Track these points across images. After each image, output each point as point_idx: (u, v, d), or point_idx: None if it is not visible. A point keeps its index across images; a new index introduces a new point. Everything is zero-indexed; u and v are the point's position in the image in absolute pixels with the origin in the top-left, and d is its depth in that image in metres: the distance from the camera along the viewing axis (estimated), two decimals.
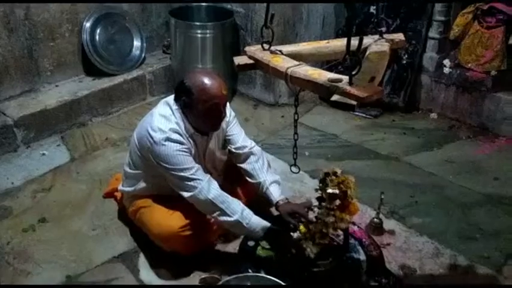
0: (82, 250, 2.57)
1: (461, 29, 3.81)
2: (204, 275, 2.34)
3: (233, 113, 2.54)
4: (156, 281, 2.38)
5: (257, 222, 2.29)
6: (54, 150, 3.43)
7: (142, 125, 2.35)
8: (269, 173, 2.55)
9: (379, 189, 2.74)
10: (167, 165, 2.22)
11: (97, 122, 3.79)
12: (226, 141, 2.54)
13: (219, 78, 2.27)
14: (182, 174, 2.23)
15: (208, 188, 2.24)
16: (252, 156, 2.56)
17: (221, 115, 2.29)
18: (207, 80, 2.21)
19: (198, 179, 2.24)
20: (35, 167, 3.23)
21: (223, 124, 2.43)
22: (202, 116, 2.25)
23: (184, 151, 2.24)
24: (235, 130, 2.56)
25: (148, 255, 2.51)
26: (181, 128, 2.27)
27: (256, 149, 2.61)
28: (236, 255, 2.46)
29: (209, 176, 2.30)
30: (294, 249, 2.30)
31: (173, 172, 2.23)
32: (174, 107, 2.30)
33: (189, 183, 2.24)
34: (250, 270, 2.28)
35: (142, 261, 2.49)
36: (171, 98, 2.34)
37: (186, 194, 2.26)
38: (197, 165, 2.27)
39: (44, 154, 3.38)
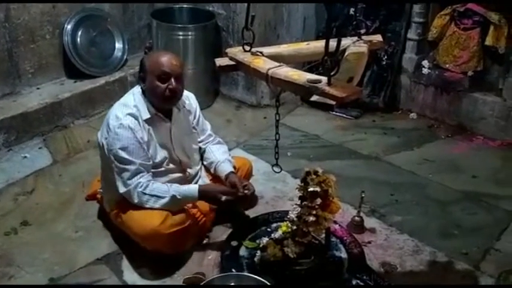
0: (65, 252, 2.56)
1: (439, 31, 3.88)
2: (187, 275, 2.35)
3: (197, 104, 2.65)
4: (140, 282, 2.38)
5: (186, 189, 2.39)
6: (36, 153, 3.41)
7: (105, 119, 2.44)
8: (223, 154, 2.68)
9: (360, 188, 2.78)
10: (116, 152, 2.30)
11: (79, 124, 3.77)
12: (194, 128, 2.62)
13: (176, 55, 2.42)
14: (124, 166, 2.30)
15: (142, 183, 2.31)
16: (211, 139, 2.73)
17: (172, 86, 2.33)
18: (159, 53, 2.42)
19: (135, 177, 2.31)
20: (17, 170, 3.21)
21: (190, 115, 2.57)
22: (154, 85, 2.32)
23: (136, 139, 2.30)
24: (202, 121, 2.70)
25: (131, 256, 2.51)
26: (139, 110, 2.35)
27: (219, 139, 2.78)
28: (219, 255, 2.47)
29: (146, 175, 2.35)
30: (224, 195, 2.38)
31: (117, 163, 2.31)
32: (136, 90, 2.41)
33: (127, 178, 2.31)
34: (233, 270, 2.30)
35: (125, 263, 2.49)
36: (135, 87, 2.46)
37: (121, 189, 2.33)
38: (141, 160, 2.32)
39: (25, 157, 3.36)
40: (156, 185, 2.35)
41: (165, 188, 2.35)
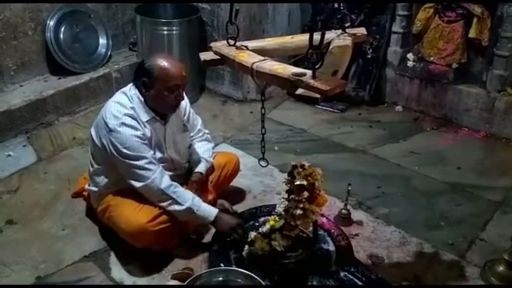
0: (52, 251, 2.54)
1: (423, 23, 3.91)
2: (175, 271, 2.35)
3: (187, 99, 2.61)
4: (128, 278, 2.37)
5: (206, 208, 2.37)
6: (21, 151, 3.38)
7: (98, 117, 2.39)
8: (203, 152, 2.65)
9: (346, 181, 2.79)
10: (122, 152, 2.26)
11: (64, 121, 3.74)
12: (185, 126, 2.60)
13: (179, 61, 2.38)
14: (135, 163, 2.27)
15: (161, 178, 2.30)
16: (199, 135, 2.70)
17: (180, 96, 2.35)
18: (167, 61, 2.30)
19: (151, 169, 2.29)
20: (1, 168, 3.17)
21: (180, 111, 2.53)
22: (162, 95, 2.30)
23: (139, 137, 2.28)
24: (192, 117, 2.67)
25: (119, 253, 2.50)
26: (137, 112, 2.31)
27: (207, 135, 2.76)
28: (207, 250, 2.48)
29: (161, 167, 2.35)
30: (240, 232, 2.39)
31: (127, 160, 2.27)
32: (132, 92, 2.35)
33: (141, 172, 2.28)
34: (221, 264, 2.30)
35: (113, 260, 2.48)
36: (127, 87, 2.40)
37: (137, 184, 2.30)
38: (150, 154, 2.31)
39: (9, 155, 3.32)
40: (181, 189, 2.34)
41: (187, 196, 2.33)
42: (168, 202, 2.32)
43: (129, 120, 2.27)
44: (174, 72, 2.28)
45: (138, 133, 2.28)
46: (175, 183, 2.35)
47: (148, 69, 2.29)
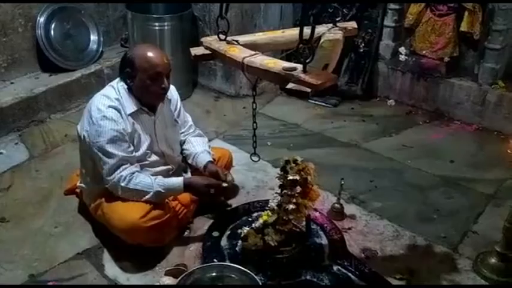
0: (45, 248, 2.53)
1: (415, 17, 3.92)
2: (169, 267, 2.34)
3: (178, 95, 2.62)
4: (121, 275, 2.37)
5: (171, 182, 2.38)
6: (12, 149, 3.36)
7: (85, 111, 2.40)
8: (202, 145, 2.66)
9: (339, 175, 2.79)
10: (99, 145, 2.26)
11: (56, 118, 3.72)
12: (176, 120, 2.60)
13: (161, 49, 2.37)
14: (107, 160, 2.28)
15: (125, 176, 2.29)
16: (191, 130, 2.72)
17: (164, 84, 2.33)
18: (148, 50, 2.29)
19: (117, 169, 2.29)
20: None
21: (171, 105, 2.54)
22: (146, 85, 2.29)
23: (119, 131, 2.28)
24: (183, 113, 2.68)
25: (112, 250, 2.49)
26: (122, 104, 2.31)
27: (199, 131, 2.78)
28: (201, 246, 2.48)
29: (131, 166, 2.33)
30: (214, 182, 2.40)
31: (99, 154, 2.28)
32: (119, 84, 2.35)
33: (109, 172, 2.29)
34: (215, 260, 2.30)
35: (106, 257, 2.47)
36: (115, 80, 2.40)
37: (106, 183, 2.33)
38: (125, 152, 2.30)
39: (1, 153, 3.30)
40: (140, 179, 2.32)
41: (149, 182, 2.33)
42: (137, 195, 2.32)
43: (111, 113, 2.27)
44: (155, 60, 2.26)
45: (119, 127, 2.28)
46: (134, 175, 2.32)
47: (130, 59, 2.29)
